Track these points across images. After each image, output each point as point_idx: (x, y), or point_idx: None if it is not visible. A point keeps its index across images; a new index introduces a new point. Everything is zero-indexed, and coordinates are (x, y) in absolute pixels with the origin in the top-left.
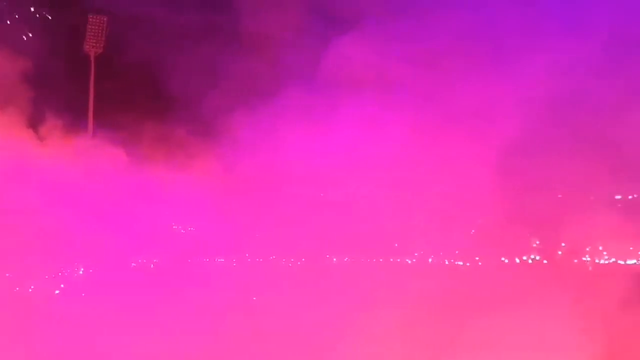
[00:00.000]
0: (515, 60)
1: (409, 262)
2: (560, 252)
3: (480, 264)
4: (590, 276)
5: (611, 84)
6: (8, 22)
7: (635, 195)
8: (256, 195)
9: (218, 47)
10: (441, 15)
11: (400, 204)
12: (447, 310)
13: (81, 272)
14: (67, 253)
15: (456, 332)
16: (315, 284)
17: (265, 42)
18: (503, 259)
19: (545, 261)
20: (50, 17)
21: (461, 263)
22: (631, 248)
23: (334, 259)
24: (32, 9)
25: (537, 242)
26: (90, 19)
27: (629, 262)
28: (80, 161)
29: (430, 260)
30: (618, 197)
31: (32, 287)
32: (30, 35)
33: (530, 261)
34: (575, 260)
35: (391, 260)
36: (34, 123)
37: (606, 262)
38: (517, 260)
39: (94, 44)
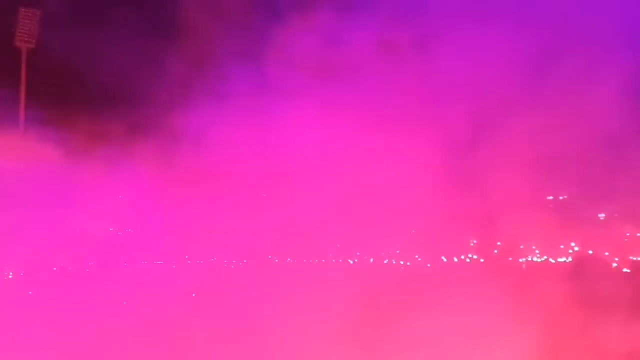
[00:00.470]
0: (453, 60)
1: (351, 262)
2: (496, 251)
3: (420, 263)
4: (524, 274)
5: (545, 86)
6: None
7: (565, 196)
8: (196, 195)
9: (155, 41)
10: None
11: (341, 204)
12: (388, 309)
13: (10, 277)
14: None
15: (397, 331)
16: (257, 285)
17: (205, 35)
18: (443, 258)
19: (482, 260)
20: None
21: (402, 262)
22: (562, 246)
23: (276, 260)
24: None
25: (475, 242)
26: (22, 12)
27: (560, 260)
28: (10, 158)
29: (371, 260)
30: (550, 197)
31: None
32: None
33: (468, 260)
34: (510, 259)
35: (333, 260)
36: None
37: (539, 260)
38: (456, 260)
39: (26, 39)
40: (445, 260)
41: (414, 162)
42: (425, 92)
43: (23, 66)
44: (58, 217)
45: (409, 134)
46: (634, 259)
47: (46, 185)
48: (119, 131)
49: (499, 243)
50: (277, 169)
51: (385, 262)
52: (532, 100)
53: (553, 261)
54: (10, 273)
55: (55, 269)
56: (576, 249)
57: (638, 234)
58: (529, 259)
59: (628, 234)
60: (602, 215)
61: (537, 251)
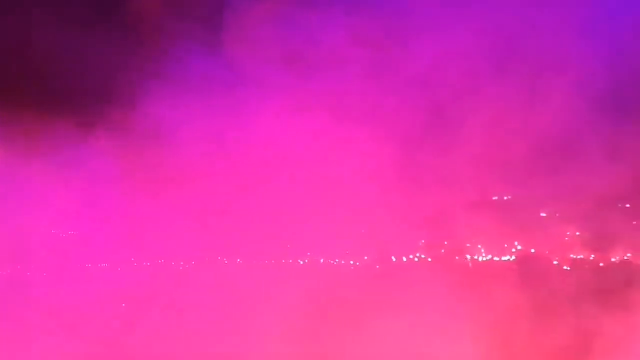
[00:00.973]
0: (401, 62)
1: (301, 262)
2: (443, 250)
3: (369, 263)
4: (471, 272)
5: (490, 88)
6: None
7: (509, 196)
8: (143, 195)
9: (105, 32)
10: None
11: (291, 204)
12: (338, 309)
13: None
14: None
15: (347, 331)
16: (206, 287)
17: (157, 24)
18: (392, 257)
19: (429, 259)
20: None
21: (352, 262)
22: (506, 245)
23: (225, 261)
24: None
25: (423, 241)
26: None
27: (504, 258)
28: None
29: (321, 260)
30: (495, 197)
31: None
32: None
33: (416, 259)
34: (457, 257)
35: (283, 261)
36: None
37: (484, 259)
38: (404, 259)
39: None
40: (394, 259)
41: (362, 162)
42: (374, 94)
43: None
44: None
45: (357, 135)
46: (574, 257)
47: None
48: (67, 128)
49: (446, 242)
50: (226, 171)
51: (334, 262)
52: (478, 102)
53: (498, 259)
54: None
55: None
56: (519, 247)
57: (577, 233)
58: (475, 257)
59: (568, 233)
60: (543, 215)
61: (482, 250)
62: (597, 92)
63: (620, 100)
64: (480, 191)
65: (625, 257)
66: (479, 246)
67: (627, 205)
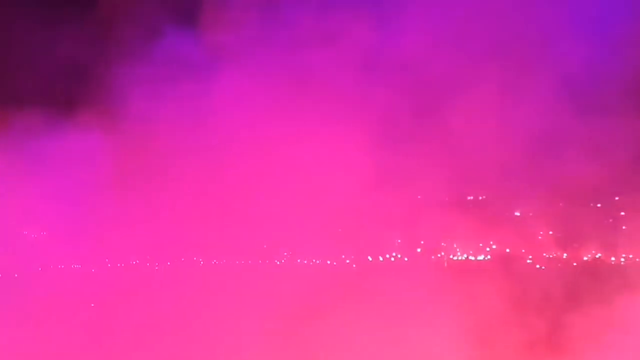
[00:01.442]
0: (379, 59)
1: (278, 263)
2: (419, 250)
3: (346, 262)
4: (446, 271)
5: (467, 87)
6: None
7: (484, 196)
8: (117, 195)
9: (75, 15)
10: None
11: (267, 204)
12: (315, 309)
13: None
14: None
15: (325, 331)
16: (182, 288)
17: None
18: (369, 257)
19: (406, 259)
20: None
21: (329, 262)
22: (481, 245)
23: (201, 262)
24: None
25: (399, 241)
26: None
27: (479, 257)
28: None
29: (299, 261)
30: (470, 197)
31: None
32: None
33: (392, 259)
34: (433, 257)
35: (260, 262)
36: None
37: (460, 258)
38: (381, 259)
39: None
40: (370, 259)
41: (339, 162)
42: (349, 93)
43: None
44: None
45: (333, 136)
46: (548, 256)
47: None
48: (31, 121)
49: (422, 242)
50: (202, 169)
51: (311, 262)
52: (453, 103)
53: (473, 259)
54: None
55: None
56: (494, 247)
57: (551, 232)
58: (451, 257)
59: (542, 233)
60: (518, 214)
61: (458, 249)
62: (570, 94)
63: (593, 102)
64: (456, 191)
65: (597, 256)
66: (455, 246)
67: (599, 205)
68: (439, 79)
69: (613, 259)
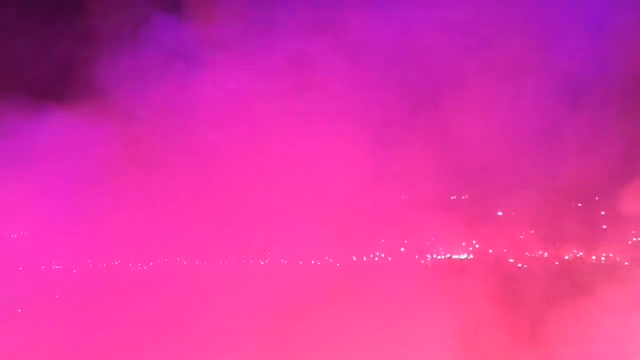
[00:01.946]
0: (368, 63)
1: (262, 263)
2: (403, 249)
3: (330, 262)
4: (430, 270)
5: (452, 89)
6: None
7: (467, 196)
8: (96, 195)
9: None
10: None
11: (251, 204)
12: (300, 309)
13: None
14: None
15: (309, 329)
16: (164, 288)
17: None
18: (353, 257)
19: (389, 258)
20: None
21: (313, 262)
22: (464, 244)
23: (184, 262)
24: None
25: (383, 240)
26: None
27: (462, 256)
28: None
29: (283, 261)
30: (453, 197)
31: None
32: None
33: (376, 259)
34: (416, 256)
35: (243, 261)
36: None
37: (442, 257)
38: (365, 258)
39: None
40: (354, 259)
41: (322, 163)
42: (335, 95)
43: None
44: None
45: (317, 139)
46: (529, 255)
47: None
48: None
49: (405, 241)
50: (184, 171)
51: (296, 262)
52: (437, 104)
53: (456, 257)
54: None
55: None
56: (477, 246)
57: (532, 232)
58: (434, 256)
59: (524, 232)
60: (500, 214)
61: (441, 249)
62: (553, 97)
63: (575, 105)
64: (439, 191)
65: (578, 255)
66: (438, 245)
67: (580, 205)
68: (423, 83)
69: (594, 257)
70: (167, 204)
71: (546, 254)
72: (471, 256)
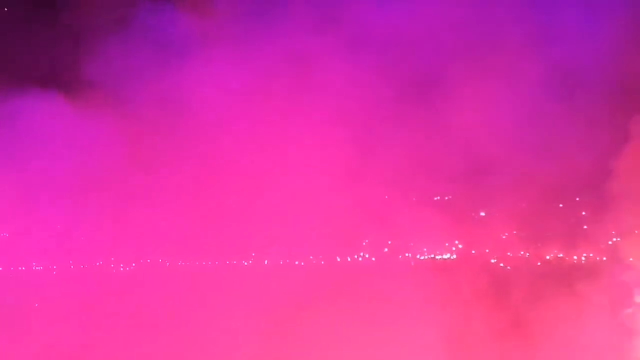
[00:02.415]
0: (350, 63)
1: (245, 263)
2: (386, 250)
3: (314, 262)
4: (413, 270)
5: (434, 88)
6: None
7: (450, 197)
8: (77, 195)
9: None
10: None
11: (234, 205)
12: (283, 310)
13: None
14: None
15: (292, 331)
16: (147, 290)
17: None
18: (337, 257)
19: (373, 258)
20: None
21: (296, 263)
22: (447, 244)
23: (167, 263)
24: None
25: (367, 241)
26: None
27: (445, 256)
28: None
29: (266, 262)
30: (436, 198)
31: None
32: None
33: (360, 259)
34: (400, 257)
35: (227, 262)
36: None
37: (426, 257)
38: (349, 259)
39: None
40: (338, 259)
41: (306, 163)
42: (314, 96)
43: None
44: None
45: (300, 139)
46: (512, 255)
47: None
48: None
49: (389, 242)
50: (167, 171)
51: (279, 262)
52: (419, 104)
53: (439, 258)
54: None
55: None
56: (460, 246)
57: (515, 232)
58: (417, 256)
59: (506, 232)
60: (483, 214)
61: (424, 249)
62: (536, 97)
63: (557, 106)
64: (422, 191)
65: (559, 255)
66: (422, 245)
67: (561, 206)
68: (406, 85)
69: (575, 257)
70: (150, 206)
71: (528, 254)
72: (454, 256)
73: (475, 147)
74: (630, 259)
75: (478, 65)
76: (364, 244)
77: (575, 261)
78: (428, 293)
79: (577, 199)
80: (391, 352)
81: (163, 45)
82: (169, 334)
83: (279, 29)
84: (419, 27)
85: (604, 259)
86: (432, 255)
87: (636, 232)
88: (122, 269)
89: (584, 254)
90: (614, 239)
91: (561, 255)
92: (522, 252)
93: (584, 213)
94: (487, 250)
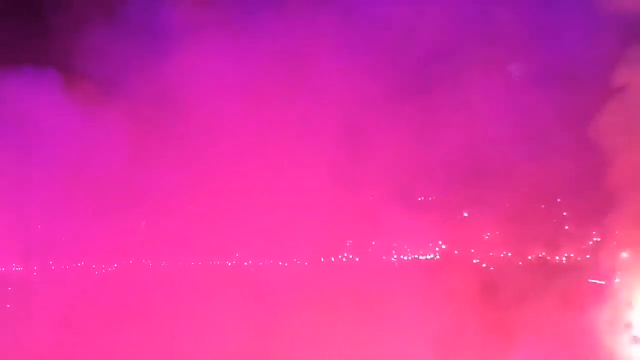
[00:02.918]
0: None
1: (229, 264)
2: (370, 250)
3: (298, 263)
4: (397, 271)
5: (417, 91)
6: None
7: (433, 197)
8: (58, 195)
9: None
10: None
11: (218, 204)
12: (266, 310)
13: None
14: None
15: (276, 331)
16: (130, 291)
17: None
18: (321, 258)
19: (357, 259)
20: None
21: (280, 263)
22: (430, 244)
23: (150, 264)
24: None
25: (350, 241)
26: None
27: (429, 257)
28: None
29: (250, 262)
30: (420, 198)
31: None
32: None
33: (344, 259)
34: (384, 257)
35: (210, 263)
36: None
37: (408, 258)
38: (333, 259)
39: None
40: (322, 260)
41: (289, 164)
42: (298, 94)
43: None
44: None
45: (285, 139)
46: (494, 255)
47: None
48: None
49: (373, 242)
50: (149, 170)
51: (263, 263)
52: (403, 106)
53: (422, 258)
54: None
55: None
56: (443, 247)
57: (497, 233)
58: (401, 257)
59: (489, 233)
60: (466, 215)
61: (407, 249)
62: (518, 100)
63: (539, 108)
64: (406, 192)
65: (541, 255)
66: (405, 246)
67: (543, 206)
68: (391, 82)
69: (557, 257)
70: (132, 206)
71: (510, 254)
72: (438, 257)
73: (458, 149)
74: (611, 259)
75: (460, 68)
76: (347, 244)
77: (557, 261)
78: (411, 293)
79: (559, 199)
80: (375, 351)
81: (155, 35)
82: (151, 334)
83: (274, 26)
84: (399, 25)
85: (585, 258)
86: (416, 256)
87: (616, 232)
88: (104, 269)
89: (565, 254)
90: (595, 239)
91: (543, 255)
92: (504, 252)
93: (565, 214)
94: (470, 251)
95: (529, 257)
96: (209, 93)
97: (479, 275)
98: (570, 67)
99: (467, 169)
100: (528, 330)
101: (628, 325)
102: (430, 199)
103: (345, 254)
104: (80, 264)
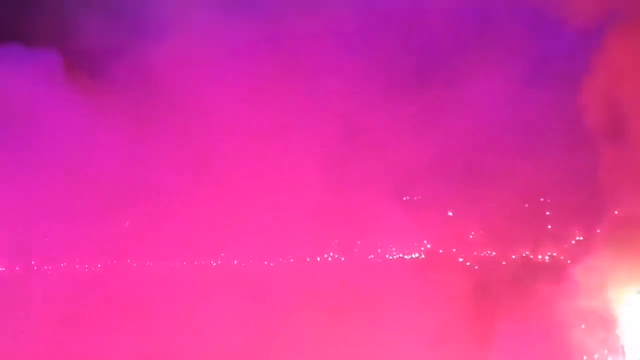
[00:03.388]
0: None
1: (214, 264)
2: (356, 250)
3: (284, 263)
4: (383, 270)
5: (404, 93)
6: None
7: (419, 197)
8: (43, 193)
9: None
10: None
11: (203, 204)
12: (252, 310)
13: None
14: None
15: (261, 331)
16: (114, 291)
17: None
18: (307, 258)
19: (343, 258)
20: None
21: (266, 263)
22: (415, 244)
23: (135, 264)
24: None
25: (336, 241)
26: None
27: (414, 256)
28: None
29: (235, 262)
30: (405, 198)
31: None
32: None
33: (329, 259)
34: (370, 256)
35: (195, 263)
36: None
37: (394, 257)
38: (319, 259)
39: None
40: (308, 260)
41: (277, 164)
42: (287, 94)
43: None
44: None
45: (274, 141)
46: (478, 254)
47: None
48: None
49: (359, 242)
50: (137, 169)
51: (248, 263)
52: (391, 107)
53: (408, 257)
54: None
55: None
56: (428, 246)
57: (481, 232)
58: (387, 256)
59: (473, 232)
60: (450, 214)
61: (393, 249)
62: (505, 99)
63: (525, 109)
64: (392, 192)
65: (524, 254)
66: (390, 245)
67: (526, 206)
68: (378, 87)
69: (540, 256)
70: (116, 206)
71: (494, 253)
72: (423, 256)
73: (443, 150)
74: (592, 258)
75: (448, 67)
76: (333, 243)
77: (540, 260)
78: (397, 292)
79: (542, 199)
80: (361, 348)
81: (155, 33)
82: (135, 334)
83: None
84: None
85: (567, 257)
86: (401, 255)
87: (598, 231)
88: (86, 269)
89: (549, 253)
90: (577, 238)
91: (527, 254)
92: (488, 252)
93: (548, 213)
94: (454, 250)
95: (513, 257)
96: (206, 94)
97: (464, 274)
98: (556, 68)
99: (452, 170)
100: (511, 328)
101: (611, 323)
102: (415, 198)
103: (331, 254)
104: (64, 264)
